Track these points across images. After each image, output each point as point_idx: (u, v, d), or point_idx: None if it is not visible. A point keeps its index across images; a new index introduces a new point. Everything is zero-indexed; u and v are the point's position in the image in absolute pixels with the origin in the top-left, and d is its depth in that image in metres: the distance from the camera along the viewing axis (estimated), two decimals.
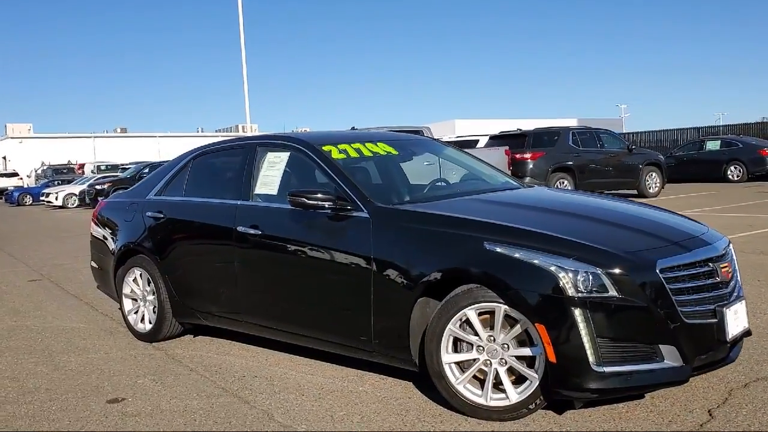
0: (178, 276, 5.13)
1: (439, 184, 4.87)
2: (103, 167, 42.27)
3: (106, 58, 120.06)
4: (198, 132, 68.90)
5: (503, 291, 3.38)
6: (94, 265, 6.15)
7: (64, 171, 43.85)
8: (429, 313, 3.73)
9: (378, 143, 4.86)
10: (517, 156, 15.56)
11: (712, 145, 23.39)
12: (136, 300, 5.59)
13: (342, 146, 4.62)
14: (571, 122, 42.00)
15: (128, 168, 31.91)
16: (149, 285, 5.40)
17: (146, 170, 26.55)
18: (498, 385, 3.48)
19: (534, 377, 3.38)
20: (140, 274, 5.47)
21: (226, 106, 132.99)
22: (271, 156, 4.76)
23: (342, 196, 4.13)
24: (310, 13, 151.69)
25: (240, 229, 4.60)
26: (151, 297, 5.42)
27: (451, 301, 3.51)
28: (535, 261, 3.33)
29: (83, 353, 5.19)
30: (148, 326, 5.42)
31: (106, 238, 5.85)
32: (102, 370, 4.74)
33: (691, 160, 23.10)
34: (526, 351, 3.41)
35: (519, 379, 3.47)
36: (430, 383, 3.68)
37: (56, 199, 29.87)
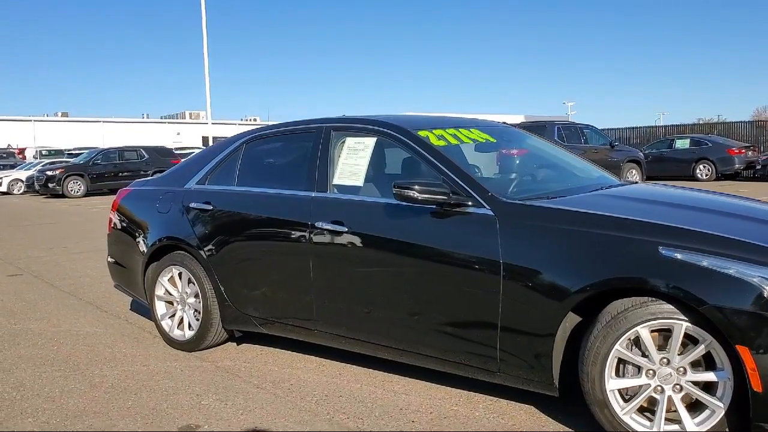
0: (230, 277, 4.47)
1: (540, 177, 4.32)
2: (45, 152, 40.41)
3: (46, 40, 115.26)
4: (143, 118, 66.62)
5: (687, 306, 2.87)
6: (113, 261, 5.40)
7: (4, 155, 41.64)
8: (567, 328, 3.21)
9: (472, 129, 4.30)
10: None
11: (681, 144, 23.52)
12: (171, 303, 4.89)
13: (438, 132, 4.04)
14: (519, 118, 42.07)
15: (80, 153, 30.37)
16: (190, 286, 4.72)
17: (100, 157, 25.27)
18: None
19: (718, 407, 2.89)
20: (179, 274, 4.77)
21: (172, 92, 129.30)
22: (351, 142, 4.14)
23: (455, 189, 3.55)
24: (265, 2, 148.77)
25: (319, 224, 3.97)
26: (192, 300, 4.73)
27: (621, 318, 2.98)
28: (730, 270, 2.82)
29: (116, 365, 4.48)
30: (189, 333, 4.73)
31: (133, 232, 5.11)
32: (150, 387, 4.06)
33: (660, 158, 23.15)
34: (710, 376, 2.91)
35: (691, 408, 2.97)
36: (561, 407, 3.15)
37: (0, 184, 28.24)
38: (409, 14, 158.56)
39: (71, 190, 23.96)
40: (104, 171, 24.82)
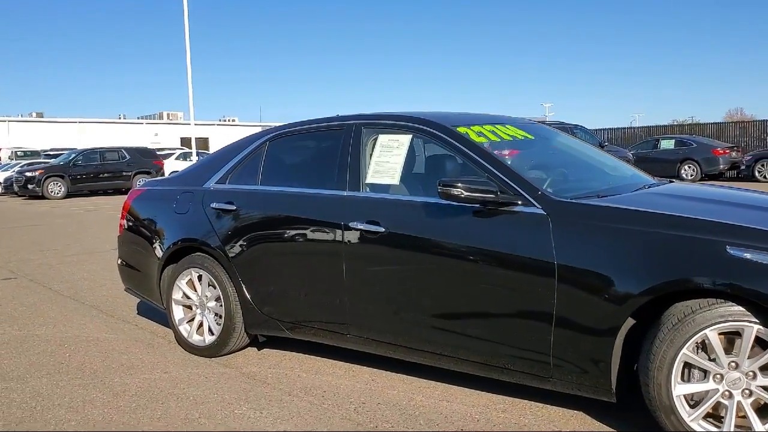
0: (255, 279, 4.30)
1: (577, 175, 4.20)
2: (20, 153, 39.68)
3: (19, 38, 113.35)
4: (120, 118, 65.70)
5: (758, 307, 2.76)
6: (125, 264, 5.20)
7: None
8: (622, 332, 3.09)
9: (508, 126, 4.17)
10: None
11: (667, 144, 23.66)
12: (190, 307, 4.71)
13: (476, 128, 3.92)
14: None
15: (59, 154, 29.88)
16: (211, 289, 4.54)
17: (80, 158, 24.82)
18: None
19: None
20: (199, 277, 4.59)
21: (149, 92, 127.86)
22: (384, 139, 4.00)
23: (502, 188, 3.42)
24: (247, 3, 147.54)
25: (353, 225, 3.82)
26: (212, 303, 4.56)
27: (688, 321, 2.86)
28: None
29: (135, 372, 4.29)
30: (209, 338, 4.56)
31: (147, 234, 4.92)
32: (176, 395, 3.88)
33: (646, 158, 23.25)
34: None
35: (761, 413, 2.87)
36: (612, 412, 3.03)
37: None
38: (382, 15, 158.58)
39: (51, 192, 23.52)
40: (85, 172, 24.40)
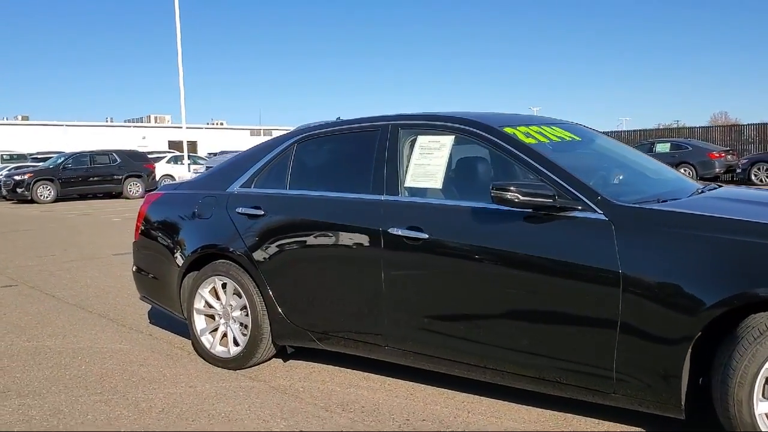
0: (284, 287, 4.10)
1: (626, 179, 4.02)
2: (6, 156, 39.12)
3: (3, 40, 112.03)
4: (107, 122, 65.15)
5: None
6: (140, 271, 4.97)
7: None
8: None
9: (554, 127, 3.99)
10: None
11: (662, 148, 23.63)
12: (213, 317, 4.49)
13: (523, 129, 3.73)
14: None
15: (48, 157, 29.45)
16: (236, 298, 4.33)
17: (70, 161, 24.41)
18: None
19: None
20: (223, 285, 4.38)
21: (136, 95, 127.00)
22: (423, 140, 3.80)
23: (559, 192, 3.23)
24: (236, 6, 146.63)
25: (393, 231, 3.62)
26: (237, 313, 4.34)
27: None
28: None
29: (158, 387, 4.07)
30: (234, 349, 4.34)
31: (166, 240, 4.70)
32: (207, 412, 3.66)
33: None
34: None
35: None
36: (675, 429, 2.85)
37: None
38: (366, 18, 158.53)
39: (41, 196, 23.13)
40: (75, 176, 24.00)
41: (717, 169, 22.28)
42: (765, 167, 21.36)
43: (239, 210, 4.29)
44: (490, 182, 4.14)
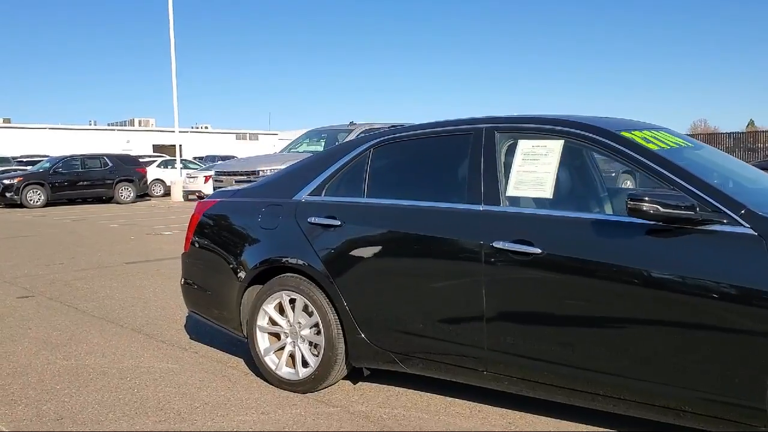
0: (365, 305, 3.77)
1: (752, 187, 3.71)
2: None
3: None
4: (91, 125, 64.22)
5: None
6: (192, 284, 4.61)
7: None
8: None
9: (662, 132, 3.70)
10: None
11: None
12: (277, 335, 4.15)
13: (638, 133, 3.44)
14: None
15: (33, 161, 28.84)
16: (305, 315, 3.99)
17: (60, 165, 23.80)
18: None
19: None
20: (291, 301, 4.04)
21: (119, 98, 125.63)
22: (527, 145, 3.49)
23: (699, 204, 2.93)
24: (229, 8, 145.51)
25: (498, 244, 3.31)
26: (307, 331, 4.00)
27: None
28: None
29: (227, 414, 3.72)
30: (303, 371, 4.00)
31: (224, 251, 4.35)
32: None
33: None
34: None
35: None
36: None
37: None
38: (357, 21, 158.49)
39: (30, 200, 22.52)
40: (65, 180, 23.40)
41: None
42: None
43: (311, 220, 3.96)
44: (603, 191, 3.90)
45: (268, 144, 67.61)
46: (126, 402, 3.90)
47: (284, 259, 4.01)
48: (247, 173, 11.00)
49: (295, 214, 4.04)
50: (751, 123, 69.36)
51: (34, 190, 22.69)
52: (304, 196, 4.11)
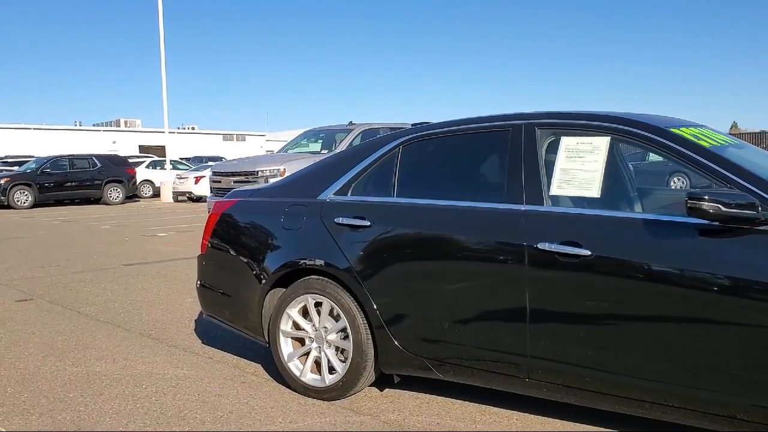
0: (396, 309, 3.61)
1: None
2: None
3: None
4: (76, 125, 63.51)
5: None
6: (208, 287, 4.44)
7: None
8: None
9: (704, 129, 3.57)
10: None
11: (655, 157, 23.47)
12: (302, 340, 3.98)
13: (686, 131, 3.31)
14: None
15: (19, 162, 28.43)
16: (332, 320, 3.83)
17: (48, 165, 23.45)
18: None
19: None
20: (316, 304, 3.88)
21: (104, 99, 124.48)
22: (571, 142, 3.35)
23: (762, 204, 2.81)
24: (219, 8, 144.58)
25: (543, 246, 3.16)
26: (333, 336, 3.84)
27: None
28: None
29: (254, 423, 3.55)
30: (329, 378, 3.83)
31: (244, 252, 4.18)
32: None
33: (634, 170, 23.06)
34: None
35: None
36: None
37: None
38: (347, 24, 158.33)
39: (18, 201, 22.18)
40: (53, 180, 23.07)
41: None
42: None
43: (339, 220, 3.80)
44: (634, 190, 3.76)
45: (255, 145, 67.25)
46: (145, 411, 3.72)
47: (309, 261, 3.85)
48: (246, 173, 10.79)
49: (320, 215, 3.88)
50: (735, 125, 69.79)
51: (22, 191, 22.36)
52: (329, 195, 3.95)
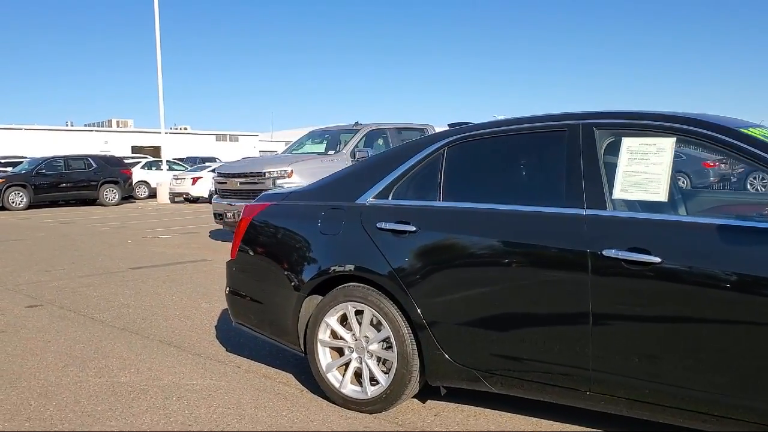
0: (445, 318, 3.45)
1: None
2: None
3: None
4: (68, 126, 63.01)
5: None
6: (238, 294, 4.26)
7: None
8: None
9: (762, 129, 3.42)
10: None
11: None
12: (341, 350, 3.81)
13: (754, 131, 3.16)
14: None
15: (13, 162, 28.10)
16: (374, 329, 3.66)
17: (43, 166, 23.13)
18: None
19: None
20: (357, 312, 3.71)
21: (98, 99, 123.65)
22: (632, 143, 3.19)
23: None
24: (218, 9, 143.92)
25: (609, 253, 3.00)
26: (375, 346, 3.68)
27: None
28: None
29: None
30: (372, 389, 3.67)
31: (279, 258, 4.01)
32: None
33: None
34: None
35: None
36: None
37: None
38: (343, 25, 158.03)
39: (12, 203, 21.89)
40: (49, 181, 22.77)
41: (711, 178, 22.17)
42: (761, 176, 21.33)
43: (381, 225, 3.63)
44: (678, 193, 3.61)
45: (248, 145, 66.98)
46: (181, 425, 3.55)
47: (350, 268, 3.68)
48: (253, 175, 10.58)
49: (360, 219, 3.72)
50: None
51: (17, 192, 22.07)
52: (368, 199, 3.78)
